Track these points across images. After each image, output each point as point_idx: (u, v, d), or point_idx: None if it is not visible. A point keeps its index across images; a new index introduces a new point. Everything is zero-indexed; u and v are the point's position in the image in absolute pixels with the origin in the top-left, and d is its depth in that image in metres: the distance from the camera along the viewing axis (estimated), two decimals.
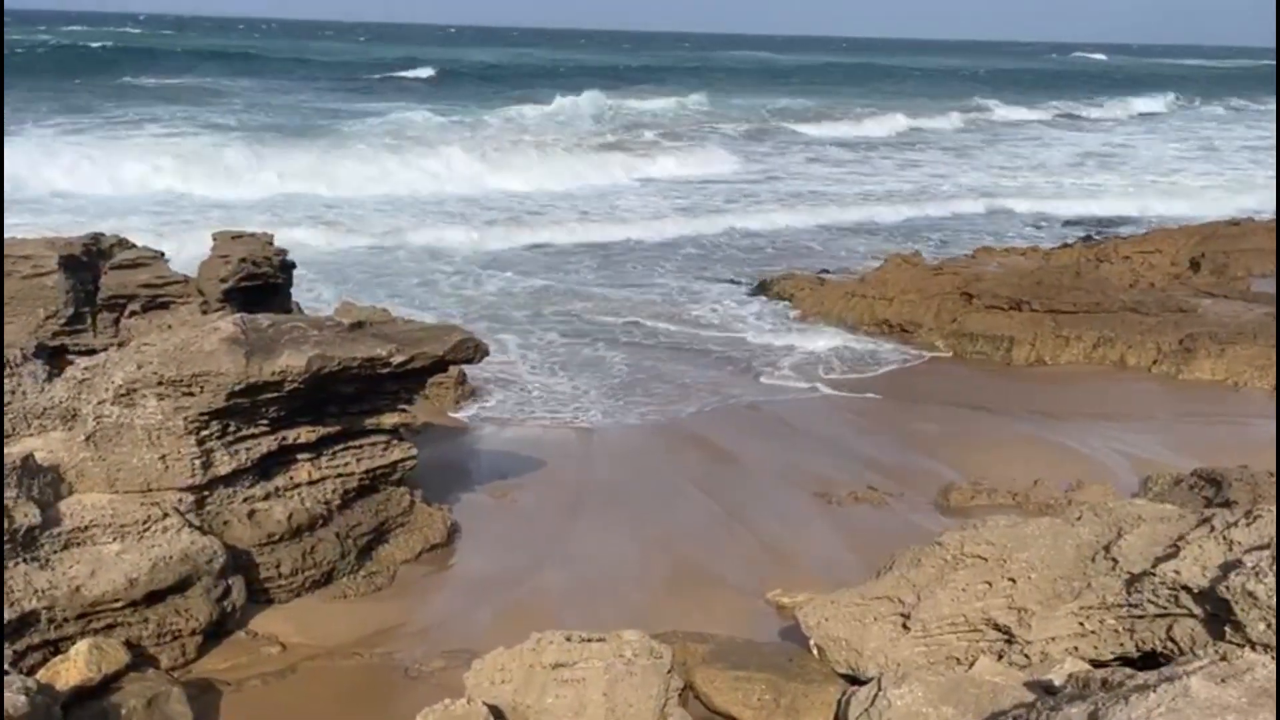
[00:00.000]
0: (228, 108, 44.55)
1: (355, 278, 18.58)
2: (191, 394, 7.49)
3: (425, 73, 68.85)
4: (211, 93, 50.36)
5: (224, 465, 7.72)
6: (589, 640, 5.64)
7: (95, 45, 77.12)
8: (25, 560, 6.67)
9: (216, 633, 7.33)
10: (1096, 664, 5.70)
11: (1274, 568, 5.21)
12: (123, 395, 7.49)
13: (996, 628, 6.15)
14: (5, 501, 6.71)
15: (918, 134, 47.85)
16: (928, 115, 52.41)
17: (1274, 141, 40.57)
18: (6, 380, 7.91)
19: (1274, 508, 5.76)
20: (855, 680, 6.26)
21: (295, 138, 34.49)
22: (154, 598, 6.98)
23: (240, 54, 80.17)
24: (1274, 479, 9.25)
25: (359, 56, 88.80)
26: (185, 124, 37.53)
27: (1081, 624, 5.96)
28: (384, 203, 26.56)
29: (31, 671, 6.31)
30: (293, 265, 11.26)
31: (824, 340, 15.42)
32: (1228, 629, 5.35)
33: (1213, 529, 5.79)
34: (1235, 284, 17.84)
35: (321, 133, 36.74)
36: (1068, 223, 27.16)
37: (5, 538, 6.60)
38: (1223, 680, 4.10)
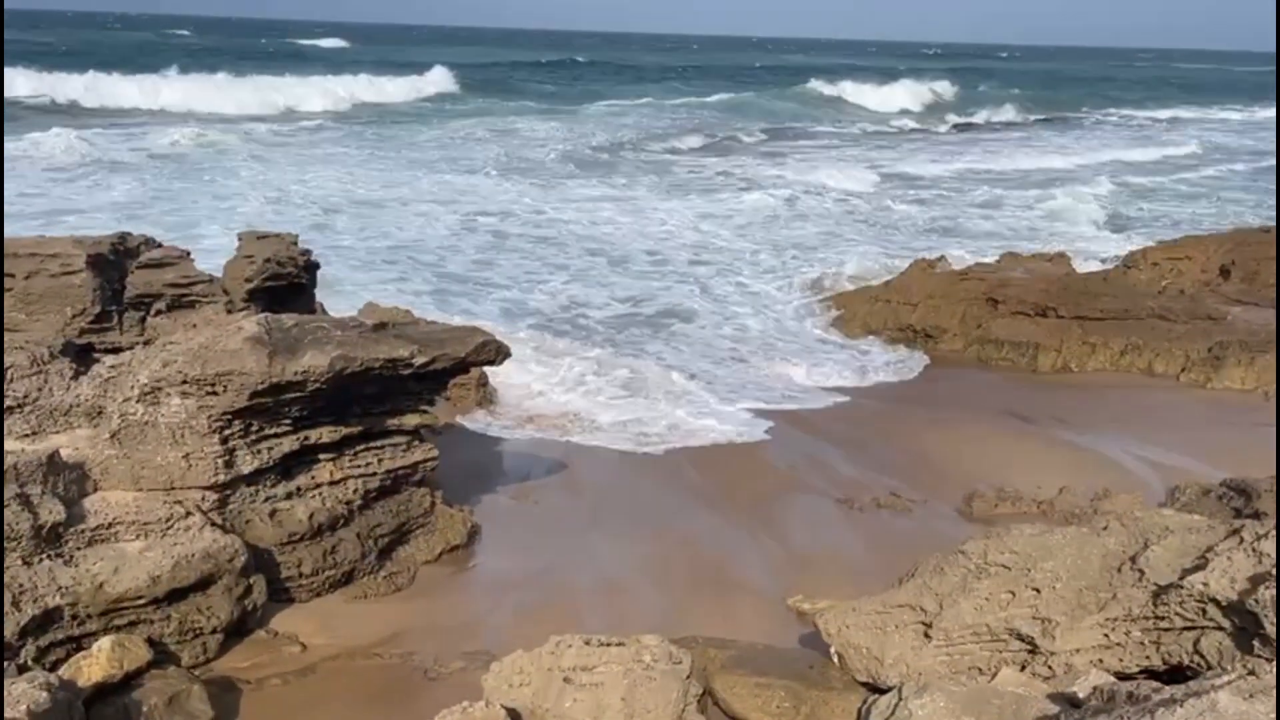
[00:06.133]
0: None
1: None
2: (215, 393, 7.53)
3: None
4: None
5: (246, 464, 7.75)
6: (608, 644, 5.62)
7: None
8: (50, 556, 6.73)
9: (237, 631, 7.36)
10: (1122, 676, 5.63)
11: None
12: (147, 394, 7.54)
13: (1020, 638, 6.08)
14: (31, 497, 6.76)
15: None
16: None
17: None
18: (33, 378, 7.97)
19: None
20: (876, 689, 6.21)
21: None
22: (176, 595, 7.02)
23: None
24: None
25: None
26: None
27: (1107, 635, 5.88)
28: None
29: (54, 667, 6.36)
30: (317, 265, 11.29)
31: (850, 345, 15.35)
32: (1256, 643, 5.27)
33: (1242, 541, 5.70)
34: (1266, 292, 17.58)
35: None
36: None
37: (30, 533, 6.65)
38: (1251, 695, 4.03)
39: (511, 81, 65.20)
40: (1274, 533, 5.65)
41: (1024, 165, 38.53)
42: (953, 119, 58.64)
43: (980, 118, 59.71)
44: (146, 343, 9.19)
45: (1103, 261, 19.58)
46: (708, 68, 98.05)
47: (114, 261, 10.01)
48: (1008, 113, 62.24)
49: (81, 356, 8.98)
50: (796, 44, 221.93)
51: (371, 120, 44.90)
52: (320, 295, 11.66)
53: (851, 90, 66.43)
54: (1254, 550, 5.58)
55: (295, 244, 10.81)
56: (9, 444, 7.31)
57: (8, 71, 43.24)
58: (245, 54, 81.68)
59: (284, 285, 10.54)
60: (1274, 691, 4.05)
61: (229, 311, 9.86)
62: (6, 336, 8.66)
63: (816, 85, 67.68)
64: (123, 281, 9.99)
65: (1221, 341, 14.42)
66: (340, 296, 14.62)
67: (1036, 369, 14.74)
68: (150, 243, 10.57)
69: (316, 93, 50.76)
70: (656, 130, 45.48)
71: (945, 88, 70.07)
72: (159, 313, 9.97)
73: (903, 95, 65.33)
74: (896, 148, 43.98)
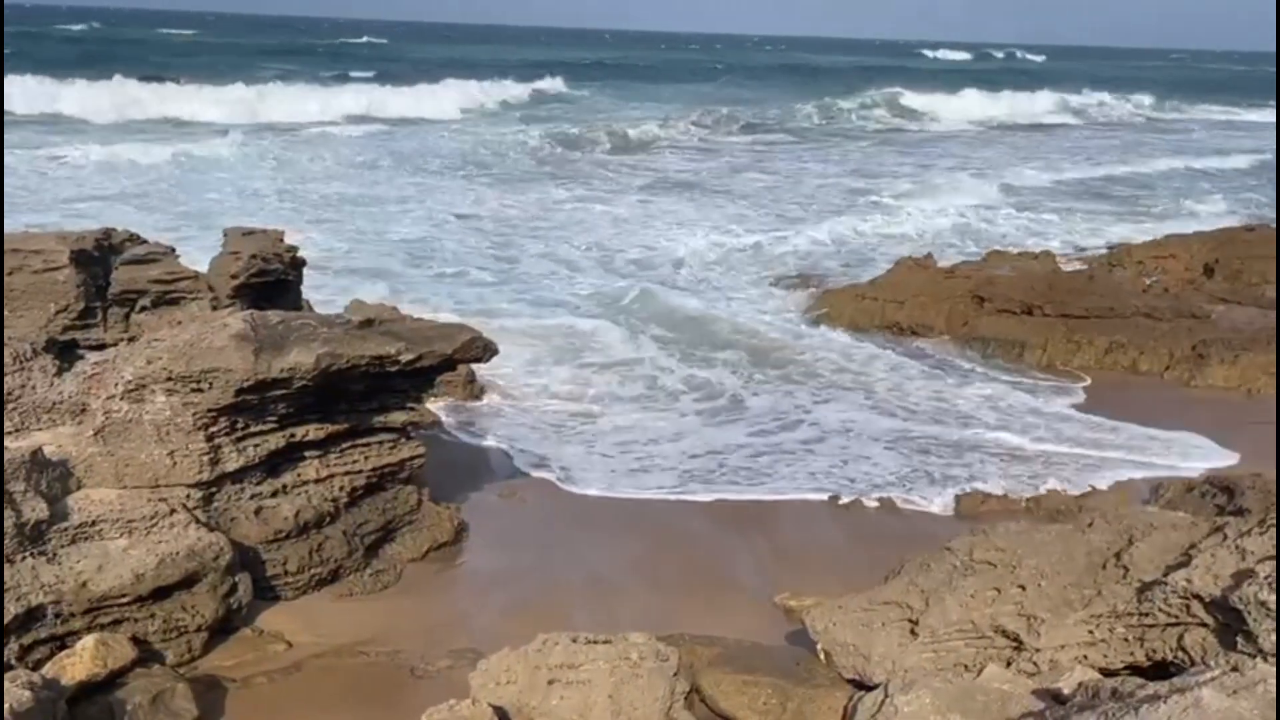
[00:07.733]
0: None
1: None
2: (201, 390, 7.50)
3: None
4: None
5: (232, 462, 7.72)
6: (595, 642, 5.62)
7: None
8: (33, 554, 6.68)
9: (223, 629, 7.33)
10: (1106, 673, 5.66)
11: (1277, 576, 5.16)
12: (132, 391, 7.50)
13: (1005, 635, 6.11)
14: (14, 495, 6.72)
15: None
16: None
17: None
18: (16, 375, 7.92)
19: None
20: (862, 686, 6.22)
21: None
22: (161, 594, 6.98)
23: None
24: None
25: None
26: None
27: (1091, 632, 5.91)
28: None
29: (37, 666, 6.32)
30: (303, 262, 11.24)
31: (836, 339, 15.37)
32: (1240, 639, 5.30)
33: (1225, 538, 5.75)
34: (1250, 290, 17.70)
35: None
36: None
37: (13, 531, 6.61)
38: (1234, 692, 4.06)
39: (546, 83, 64.43)
40: (1256, 530, 5.69)
41: (1124, 170, 36.79)
42: (1042, 119, 58.13)
43: (1047, 120, 58.86)
44: (131, 339, 9.13)
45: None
46: (732, 68, 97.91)
47: (98, 257, 9.94)
48: (1069, 116, 61.88)
49: (65, 353, 8.93)
50: (800, 43, 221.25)
51: (399, 126, 44.03)
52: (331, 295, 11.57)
53: (909, 95, 63.70)
54: (1237, 547, 5.62)
55: (282, 240, 10.77)
56: None
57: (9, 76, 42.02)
58: (258, 55, 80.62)
59: (270, 282, 10.49)
60: (1257, 688, 4.07)
61: (214, 308, 9.81)
62: None
63: (873, 92, 65.53)
64: (107, 278, 9.93)
65: (1205, 339, 14.50)
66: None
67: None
68: (135, 238, 10.51)
69: (348, 97, 49.61)
70: (696, 131, 44.97)
71: (1004, 92, 67.75)
72: (144, 309, 9.91)
73: (971, 99, 63.03)
74: (982, 153, 42.03)
